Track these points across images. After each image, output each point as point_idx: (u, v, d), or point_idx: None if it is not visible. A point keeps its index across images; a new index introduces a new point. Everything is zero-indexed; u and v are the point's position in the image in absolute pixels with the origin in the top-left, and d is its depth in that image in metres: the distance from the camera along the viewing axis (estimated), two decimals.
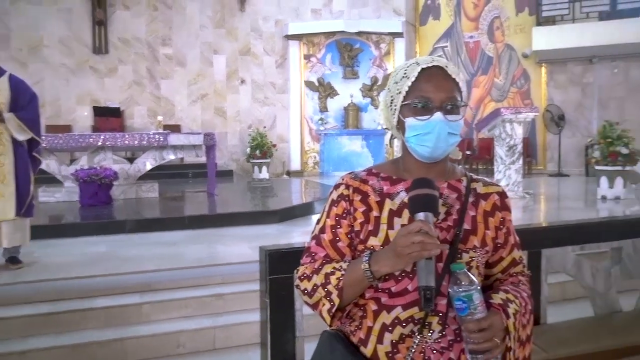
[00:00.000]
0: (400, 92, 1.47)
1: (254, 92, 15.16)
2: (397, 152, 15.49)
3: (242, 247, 5.83)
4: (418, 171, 1.49)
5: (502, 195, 1.54)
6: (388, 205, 1.47)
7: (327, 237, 1.52)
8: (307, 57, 15.17)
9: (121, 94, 14.14)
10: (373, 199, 1.49)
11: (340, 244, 1.50)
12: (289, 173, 14.92)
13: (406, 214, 1.44)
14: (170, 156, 9.73)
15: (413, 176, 1.47)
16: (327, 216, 1.53)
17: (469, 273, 1.31)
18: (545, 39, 14.03)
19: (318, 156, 15.16)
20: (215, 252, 5.76)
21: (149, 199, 9.26)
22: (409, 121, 1.45)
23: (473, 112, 15.51)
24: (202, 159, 10.79)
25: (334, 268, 1.45)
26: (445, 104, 1.41)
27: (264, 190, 11.49)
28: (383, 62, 15.49)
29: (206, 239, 6.47)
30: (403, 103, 1.46)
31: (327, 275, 1.44)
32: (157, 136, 9.37)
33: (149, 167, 9.62)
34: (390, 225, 1.44)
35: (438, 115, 1.40)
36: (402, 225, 1.41)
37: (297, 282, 1.53)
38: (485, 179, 1.57)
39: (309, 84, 15.17)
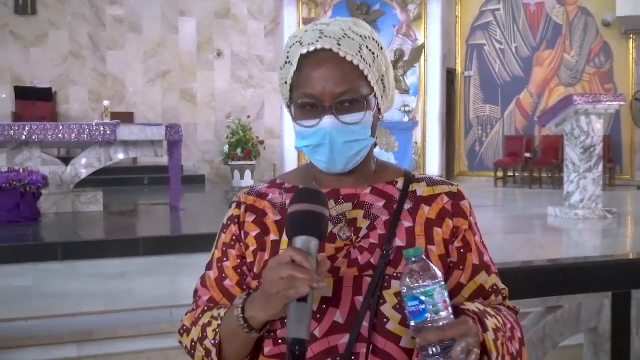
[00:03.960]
0: (285, 82, 1.47)
1: (234, 68, 15.19)
2: (431, 149, 15.54)
3: None
4: (328, 179, 1.50)
5: (456, 195, 1.50)
6: None
7: (212, 274, 1.54)
8: (308, 22, 15.20)
9: (53, 69, 14.17)
10: (271, 217, 1.51)
11: (227, 283, 1.52)
12: None
13: None
14: (120, 155, 9.72)
15: (323, 185, 1.49)
16: (216, 246, 1.57)
17: (430, 263, 1.27)
18: (634, 0, 14.06)
19: None
20: (180, 288, 5.76)
21: (89, 214, 9.25)
22: (296, 127, 1.45)
23: (534, 100, 15.53)
24: (163, 160, 10.79)
25: (212, 317, 1.47)
26: (337, 101, 1.39)
27: None
28: (411, 29, 15.54)
29: (168, 269, 6.46)
30: (289, 100, 1.47)
31: (204, 327, 1.47)
32: (101, 128, 9.38)
33: (90, 170, 9.62)
34: (317, 249, 1.45)
35: (327, 120, 1.39)
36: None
37: (178, 337, 1.56)
38: (434, 177, 1.55)
39: None
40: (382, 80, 1.45)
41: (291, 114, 1.46)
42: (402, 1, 15.45)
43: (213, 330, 1.44)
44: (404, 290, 1.26)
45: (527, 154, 14.86)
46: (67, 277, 6.09)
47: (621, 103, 9.77)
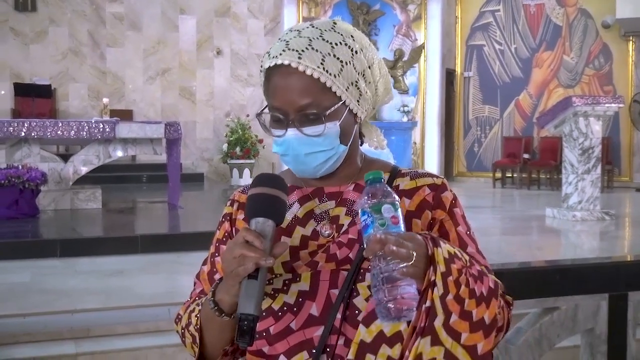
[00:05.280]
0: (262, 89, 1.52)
1: (234, 67, 15.19)
2: (430, 150, 15.53)
3: None
4: (314, 178, 1.54)
5: (439, 188, 1.52)
6: None
7: (206, 268, 1.61)
8: (308, 21, 15.21)
9: (53, 66, 14.17)
10: None
11: (217, 276, 1.57)
12: None
13: (298, 232, 1.50)
14: (119, 153, 9.72)
15: (309, 183, 1.55)
16: (212, 242, 1.64)
17: (386, 186, 1.33)
18: (634, 3, 14.08)
19: None
20: (177, 286, 5.76)
21: (88, 211, 9.26)
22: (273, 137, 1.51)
23: (533, 102, 15.55)
24: (162, 158, 10.79)
25: (197, 304, 1.52)
26: (299, 114, 1.42)
27: None
28: (411, 30, 15.55)
29: (166, 267, 6.45)
30: (262, 110, 1.50)
31: (190, 314, 1.53)
32: (101, 125, 9.38)
33: (89, 167, 9.63)
34: (274, 231, 1.45)
35: (291, 133, 1.44)
36: (292, 248, 1.47)
37: (174, 326, 1.61)
38: (419, 170, 1.58)
39: None
40: (356, 85, 1.46)
41: (261, 123, 1.50)
42: (402, 1, 15.46)
43: (196, 316, 1.49)
44: (358, 208, 1.32)
45: (526, 155, 14.87)
46: (66, 274, 6.09)
47: (620, 105, 9.76)
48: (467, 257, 1.39)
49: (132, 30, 14.67)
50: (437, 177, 1.55)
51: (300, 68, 1.40)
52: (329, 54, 1.42)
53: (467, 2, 16.09)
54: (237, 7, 15.19)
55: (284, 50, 1.42)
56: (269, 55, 1.45)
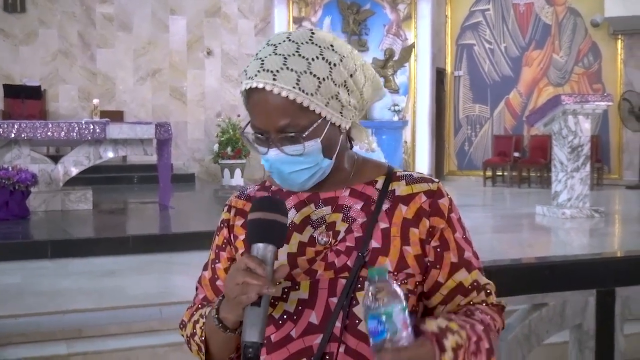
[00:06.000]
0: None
1: (224, 67, 15.19)
2: (421, 149, 15.57)
3: None
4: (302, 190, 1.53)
5: (435, 194, 1.51)
6: None
7: (207, 274, 1.63)
8: (298, 21, 15.25)
9: (42, 67, 14.14)
10: None
11: (219, 283, 1.59)
12: None
13: (295, 238, 1.49)
14: (109, 154, 9.71)
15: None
16: (211, 248, 1.64)
17: (392, 282, 1.29)
18: (622, 1, 14.14)
19: None
20: (169, 286, 5.77)
21: (79, 212, 9.25)
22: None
23: (523, 100, 15.60)
24: (153, 158, 10.78)
25: (200, 315, 1.54)
26: (280, 134, 1.41)
27: None
28: (401, 29, 15.58)
29: (157, 267, 6.47)
30: (245, 128, 1.49)
31: (194, 324, 1.55)
32: (91, 126, 9.37)
33: (79, 168, 9.61)
34: (275, 255, 1.45)
35: (272, 153, 1.43)
36: (290, 255, 1.47)
37: (179, 331, 1.63)
38: (415, 173, 1.55)
39: None
40: (336, 97, 1.41)
41: (246, 139, 1.48)
42: (392, 1, 15.49)
43: (200, 328, 1.51)
44: (365, 310, 1.28)
45: (516, 154, 14.93)
46: (57, 275, 6.09)
47: (609, 103, 9.83)
48: (466, 334, 1.39)
49: (122, 31, 14.65)
50: (432, 181, 1.53)
51: (275, 90, 1.36)
52: (304, 71, 1.37)
53: (457, 2, 16.13)
54: (227, 7, 15.19)
55: (258, 72, 1.38)
56: (245, 74, 1.42)
